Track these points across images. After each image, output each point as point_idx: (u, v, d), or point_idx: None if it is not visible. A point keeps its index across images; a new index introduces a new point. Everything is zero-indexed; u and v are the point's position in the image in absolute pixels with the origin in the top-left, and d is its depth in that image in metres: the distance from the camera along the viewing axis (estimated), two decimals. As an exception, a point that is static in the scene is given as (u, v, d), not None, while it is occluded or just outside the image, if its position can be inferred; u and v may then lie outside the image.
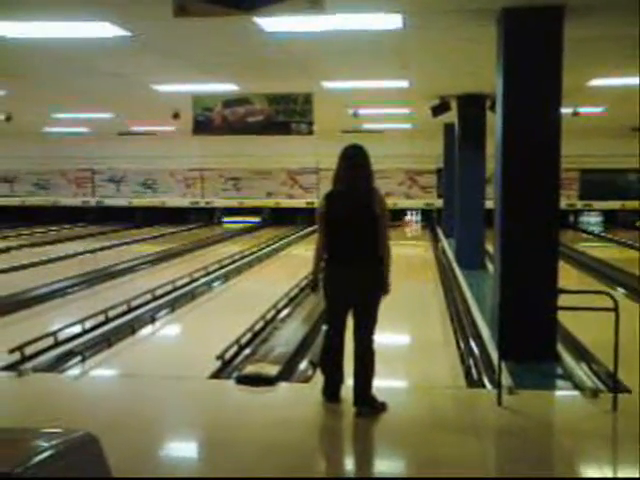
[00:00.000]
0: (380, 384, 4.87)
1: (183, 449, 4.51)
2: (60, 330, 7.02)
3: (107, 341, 6.99)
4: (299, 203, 21.39)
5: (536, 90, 6.03)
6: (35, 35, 6.88)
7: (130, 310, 8.32)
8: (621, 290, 9.97)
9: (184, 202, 22.09)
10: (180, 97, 10.83)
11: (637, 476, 3.83)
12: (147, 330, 7.79)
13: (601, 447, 4.34)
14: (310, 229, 19.87)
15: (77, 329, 7.25)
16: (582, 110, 12.97)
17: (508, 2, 5.81)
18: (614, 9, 5.93)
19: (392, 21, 6.31)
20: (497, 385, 4.91)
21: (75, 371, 6.10)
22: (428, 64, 8.87)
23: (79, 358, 6.38)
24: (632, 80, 9.76)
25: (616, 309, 4.69)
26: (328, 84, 10.15)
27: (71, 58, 8.25)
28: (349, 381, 4.85)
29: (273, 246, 15.83)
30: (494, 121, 6.63)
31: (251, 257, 13.72)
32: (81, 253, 14.55)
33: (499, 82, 6.28)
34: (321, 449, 4.50)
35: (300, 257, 14.46)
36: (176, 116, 12.97)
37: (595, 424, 4.64)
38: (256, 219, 21.68)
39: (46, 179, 23.02)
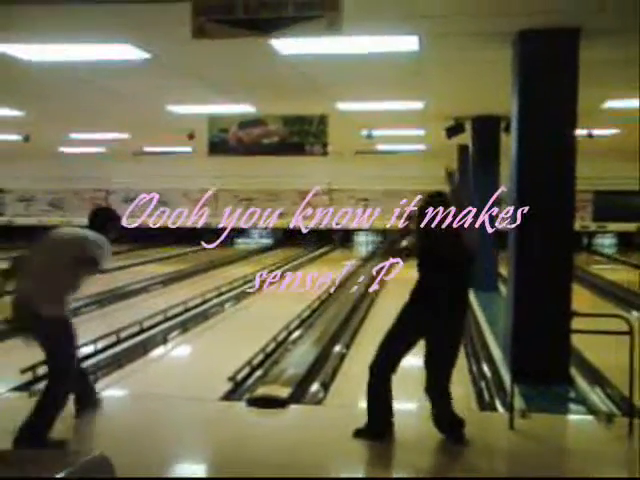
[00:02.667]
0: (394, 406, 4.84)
1: (193, 470, 4.49)
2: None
3: (118, 362, 7.00)
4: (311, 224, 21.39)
5: (551, 112, 6.03)
6: (56, 58, 6.99)
7: (142, 331, 8.33)
8: (636, 313, 9.89)
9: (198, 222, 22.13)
10: (196, 118, 10.92)
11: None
12: (159, 351, 7.80)
13: (615, 472, 4.29)
14: (321, 250, 19.91)
15: (89, 349, 7.26)
16: (596, 132, 12.95)
17: (524, 25, 5.84)
18: (628, 32, 5.94)
19: (409, 43, 6.35)
20: (509, 408, 4.87)
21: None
22: (443, 85, 8.90)
23: (91, 378, 6.38)
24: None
25: (631, 332, 4.65)
26: (342, 105, 10.20)
27: (88, 80, 8.35)
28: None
29: (285, 267, 15.83)
30: (508, 143, 6.63)
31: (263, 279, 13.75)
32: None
33: (514, 104, 6.29)
34: (333, 472, 4.47)
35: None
36: (191, 137, 13.05)
37: (609, 449, 4.59)
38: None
39: (60, 198, 23.19)
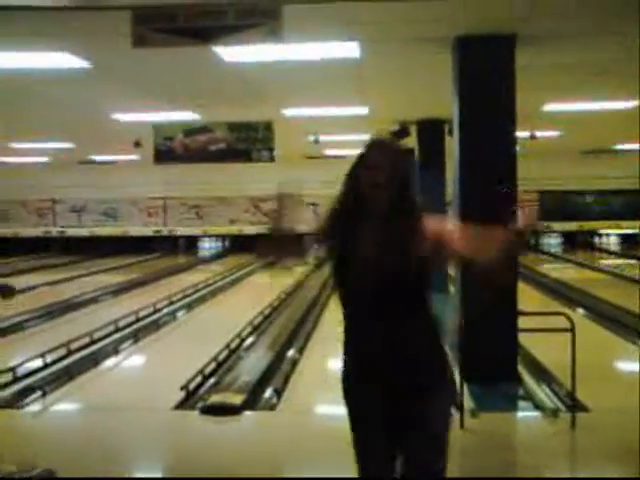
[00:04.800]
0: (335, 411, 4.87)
1: (146, 482, 4.46)
2: (19, 365, 6.91)
3: (68, 375, 6.90)
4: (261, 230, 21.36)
5: (490, 115, 6.16)
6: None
7: (93, 342, 8.23)
8: (580, 311, 10.13)
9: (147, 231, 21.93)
10: (141, 126, 10.82)
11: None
12: (110, 362, 7.70)
13: (562, 465, 4.41)
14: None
15: (38, 362, 7.14)
16: (539, 134, 13.24)
17: (460, 31, 5.96)
18: (561, 39, 6.15)
19: (350, 49, 6.42)
20: (459, 408, 4.96)
21: (35, 407, 6.00)
22: (387, 90, 9.00)
23: (39, 393, 6.28)
24: (582, 106, 10.12)
25: (572, 330, 4.79)
26: (288, 111, 10.23)
27: (27, 88, 8.20)
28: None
29: (237, 274, 15.79)
30: (453, 146, 6.75)
31: (215, 286, 13.69)
32: (42, 285, 14.34)
33: (455, 108, 6.41)
34: (290, 476, 4.48)
35: (264, 285, 14.48)
36: (137, 145, 12.93)
37: (555, 443, 4.71)
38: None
39: (5, 209, 22.72)
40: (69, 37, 5.93)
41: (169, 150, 10.25)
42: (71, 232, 22.14)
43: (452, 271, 9.51)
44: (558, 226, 20.61)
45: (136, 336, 8.82)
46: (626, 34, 6.00)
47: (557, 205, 20.39)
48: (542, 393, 5.81)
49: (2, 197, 22.40)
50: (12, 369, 6.71)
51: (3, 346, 8.58)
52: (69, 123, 11.49)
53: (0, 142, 14.40)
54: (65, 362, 7.32)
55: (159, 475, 4.57)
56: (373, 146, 2.62)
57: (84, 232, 21.99)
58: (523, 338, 6.27)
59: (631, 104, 9.88)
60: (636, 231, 19.26)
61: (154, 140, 10.24)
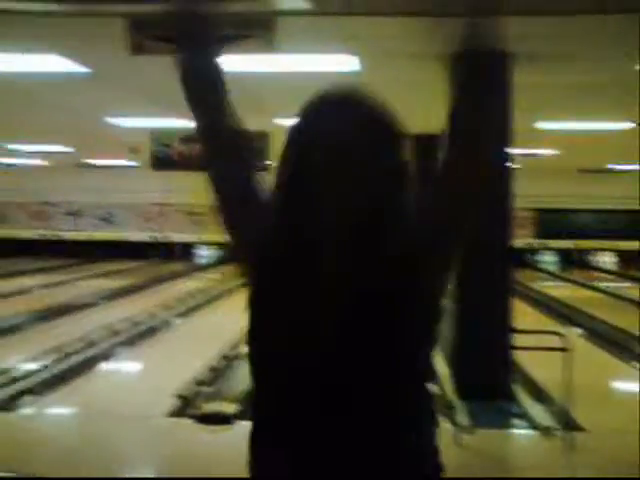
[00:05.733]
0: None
1: (138, 490, 4.44)
2: (13, 367, 6.88)
3: (62, 378, 6.87)
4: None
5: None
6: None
7: (87, 346, 8.20)
8: (576, 330, 10.12)
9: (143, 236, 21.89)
10: (138, 132, 10.81)
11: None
12: (105, 366, 7.68)
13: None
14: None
15: (33, 366, 7.11)
16: (536, 151, 13.30)
17: (456, 47, 5.97)
18: (555, 57, 6.18)
19: (349, 63, 6.40)
20: (454, 424, 4.95)
21: (28, 410, 5.97)
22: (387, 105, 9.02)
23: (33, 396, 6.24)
24: (577, 125, 10.20)
25: (566, 349, 4.79)
26: (285, 122, 10.22)
27: (22, 91, 8.20)
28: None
29: (234, 281, 15.76)
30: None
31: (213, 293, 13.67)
32: (37, 287, 14.30)
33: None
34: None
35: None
36: (133, 151, 12.91)
37: (550, 462, 4.70)
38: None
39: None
40: (68, 42, 5.93)
41: (167, 156, 10.25)
42: (66, 235, 22.09)
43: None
44: (554, 244, 20.65)
45: (132, 341, 8.79)
46: (624, 57, 6.04)
47: (554, 223, 20.43)
48: (537, 411, 5.80)
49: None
50: (5, 372, 6.69)
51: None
52: (67, 126, 11.48)
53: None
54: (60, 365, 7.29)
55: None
56: (329, 104, 1.42)
57: (81, 235, 21.95)
58: (520, 356, 6.27)
59: (628, 125, 9.94)
60: (635, 249, 19.19)
61: (151, 146, 10.25)
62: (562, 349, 4.83)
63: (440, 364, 7.16)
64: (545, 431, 5.19)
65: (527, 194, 11.21)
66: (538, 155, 13.73)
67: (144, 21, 4.40)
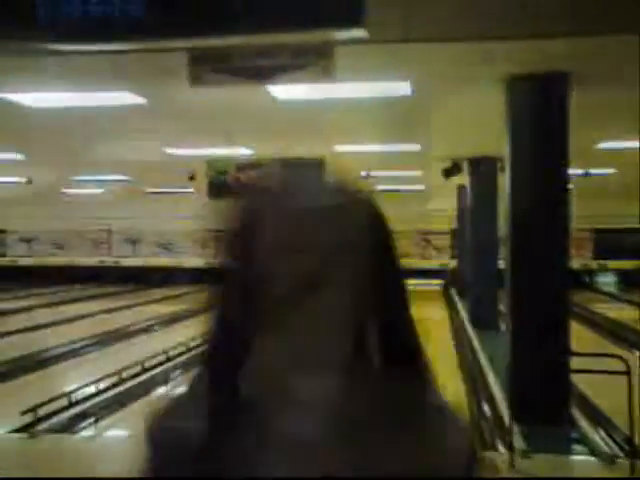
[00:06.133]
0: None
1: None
2: (74, 391, 7.04)
3: (120, 402, 7.00)
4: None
5: (542, 153, 6.14)
6: (56, 105, 7.13)
7: (144, 371, 8.34)
8: (637, 352, 9.85)
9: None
10: (194, 160, 11.02)
11: None
12: (161, 390, 7.79)
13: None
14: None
15: (91, 389, 7.26)
16: (593, 171, 13.07)
17: (513, 69, 5.96)
18: (617, 76, 6.08)
19: (401, 88, 6.47)
20: (510, 448, 4.87)
21: (89, 432, 6.10)
22: (439, 128, 9.02)
23: (93, 419, 6.38)
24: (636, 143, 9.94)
25: (628, 372, 4.67)
26: (340, 148, 10.31)
27: (87, 123, 8.47)
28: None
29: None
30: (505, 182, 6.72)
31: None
32: (97, 313, 14.59)
33: (507, 146, 6.40)
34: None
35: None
36: (192, 178, 13.15)
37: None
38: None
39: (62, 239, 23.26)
40: (129, 77, 6.13)
41: (222, 184, 10.39)
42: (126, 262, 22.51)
43: (502, 306, 9.39)
44: (613, 264, 20.19)
45: (186, 366, 8.90)
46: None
47: (612, 243, 19.99)
48: (598, 437, 5.66)
49: (60, 226, 22.96)
50: (67, 394, 6.83)
51: (60, 371, 8.75)
52: (123, 156, 11.77)
53: (60, 174, 14.84)
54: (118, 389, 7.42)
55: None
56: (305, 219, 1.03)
57: (139, 262, 22.33)
58: (578, 379, 6.14)
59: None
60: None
61: (207, 174, 10.41)
62: (624, 372, 4.71)
63: (495, 387, 7.07)
64: (606, 458, 5.05)
65: (585, 214, 11.06)
66: (596, 174, 13.47)
67: (203, 54, 4.50)
